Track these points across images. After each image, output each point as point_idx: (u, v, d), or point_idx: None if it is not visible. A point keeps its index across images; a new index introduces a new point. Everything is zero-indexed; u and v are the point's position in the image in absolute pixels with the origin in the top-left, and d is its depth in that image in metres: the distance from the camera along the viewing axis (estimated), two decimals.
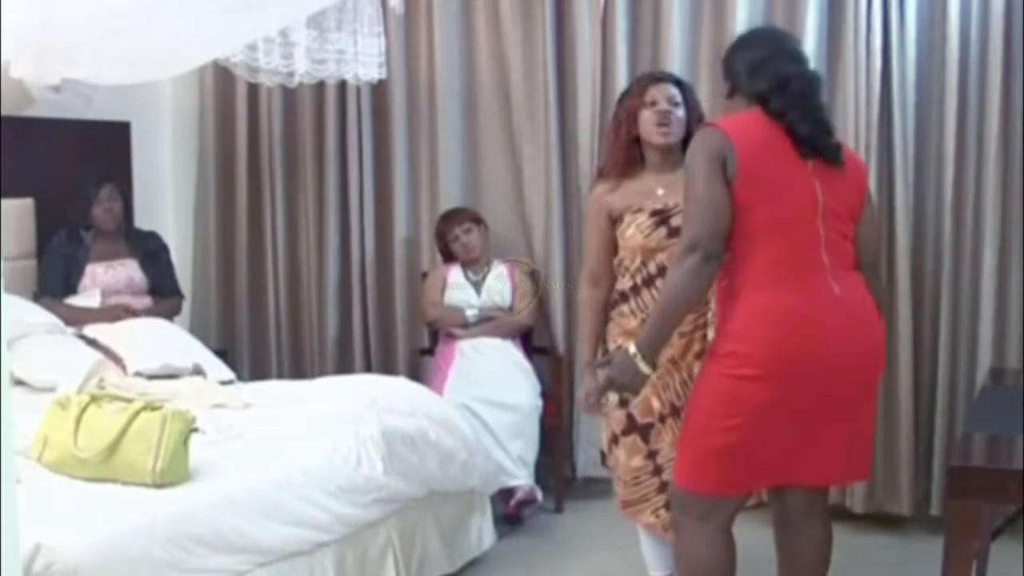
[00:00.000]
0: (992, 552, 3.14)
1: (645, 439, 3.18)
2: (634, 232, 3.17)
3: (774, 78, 2.65)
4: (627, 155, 3.26)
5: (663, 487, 3.15)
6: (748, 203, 2.56)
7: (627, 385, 2.70)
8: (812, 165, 2.63)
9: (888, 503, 4.22)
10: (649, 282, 3.15)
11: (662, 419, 3.16)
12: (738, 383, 2.56)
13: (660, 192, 3.19)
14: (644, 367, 2.62)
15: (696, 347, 3.12)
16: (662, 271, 3.10)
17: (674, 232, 3.03)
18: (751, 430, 2.56)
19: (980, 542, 2.80)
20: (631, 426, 3.19)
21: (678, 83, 3.33)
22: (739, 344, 2.57)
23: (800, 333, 2.55)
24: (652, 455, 3.18)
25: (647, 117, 3.22)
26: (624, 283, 3.22)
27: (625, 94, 3.36)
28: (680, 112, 3.23)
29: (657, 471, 3.18)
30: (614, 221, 3.23)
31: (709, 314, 3.06)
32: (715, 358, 2.64)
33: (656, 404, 3.15)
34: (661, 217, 3.16)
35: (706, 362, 2.72)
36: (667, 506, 3.13)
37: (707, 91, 4.20)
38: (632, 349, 2.63)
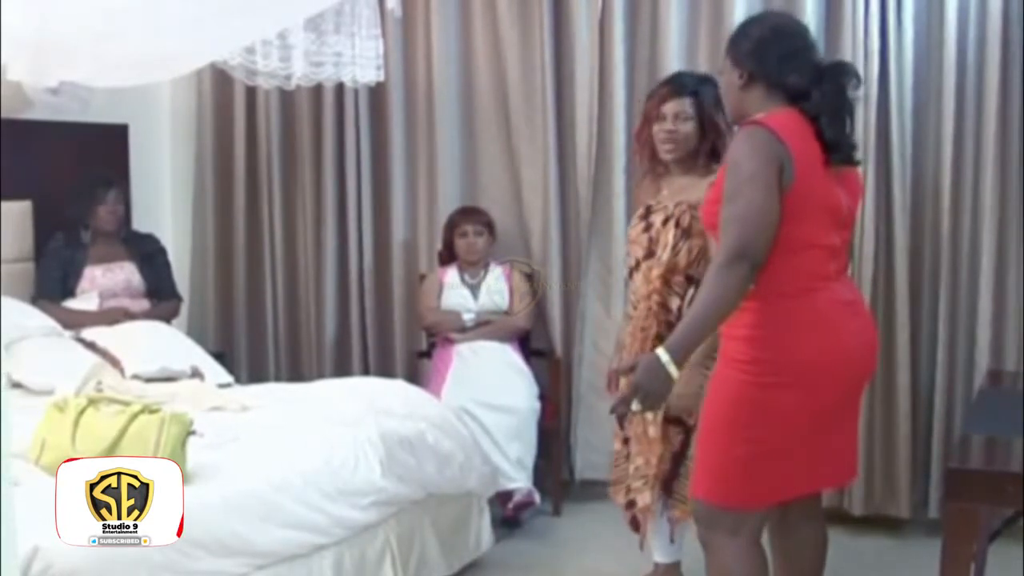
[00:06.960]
0: (990, 555, 3.13)
1: (621, 425, 3.44)
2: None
3: (811, 72, 2.54)
4: (652, 159, 3.43)
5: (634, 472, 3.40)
6: (794, 214, 2.46)
7: (654, 391, 2.50)
8: (834, 170, 2.56)
9: (886, 505, 4.22)
10: None
11: None
12: (764, 390, 2.51)
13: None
14: (673, 372, 2.46)
15: None
16: None
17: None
18: (777, 438, 2.53)
19: (978, 545, 2.80)
20: None
21: (695, 92, 3.34)
22: (766, 351, 2.51)
23: (823, 338, 2.53)
24: (627, 441, 3.42)
25: (656, 131, 3.35)
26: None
27: (649, 97, 3.45)
28: (686, 127, 3.31)
29: (629, 457, 3.43)
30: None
31: None
32: (736, 365, 2.55)
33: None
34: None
35: (722, 370, 2.60)
36: (627, 489, 3.42)
37: None
38: (663, 355, 2.46)
